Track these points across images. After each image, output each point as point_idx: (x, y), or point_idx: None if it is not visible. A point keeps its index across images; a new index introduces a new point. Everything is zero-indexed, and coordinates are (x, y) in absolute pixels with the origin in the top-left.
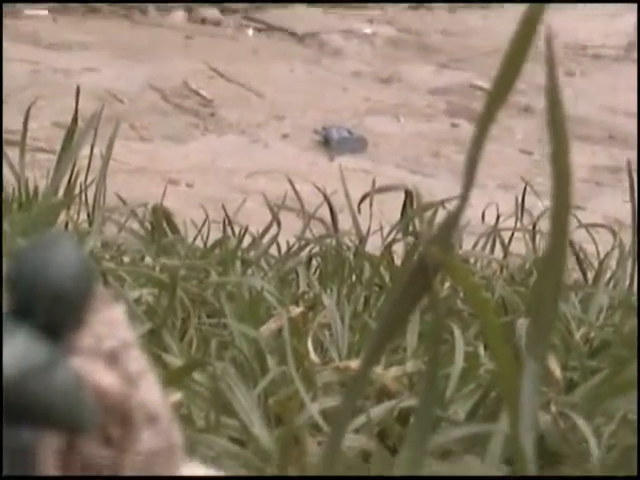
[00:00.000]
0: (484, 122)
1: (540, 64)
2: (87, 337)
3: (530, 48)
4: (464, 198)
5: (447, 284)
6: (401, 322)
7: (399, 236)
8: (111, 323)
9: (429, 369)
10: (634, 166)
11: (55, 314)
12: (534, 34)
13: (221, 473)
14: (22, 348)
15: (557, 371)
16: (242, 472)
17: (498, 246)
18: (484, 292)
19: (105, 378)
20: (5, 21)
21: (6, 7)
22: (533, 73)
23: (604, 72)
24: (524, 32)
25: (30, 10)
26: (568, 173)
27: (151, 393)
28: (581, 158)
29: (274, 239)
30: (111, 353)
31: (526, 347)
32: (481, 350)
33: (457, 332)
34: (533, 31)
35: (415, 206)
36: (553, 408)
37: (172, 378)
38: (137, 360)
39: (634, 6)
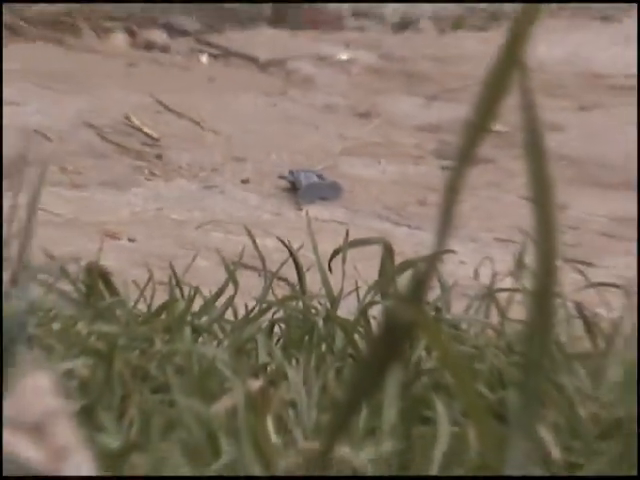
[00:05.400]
0: (462, 161)
1: (546, 94)
2: (9, 407)
3: (512, 75)
4: (439, 248)
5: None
6: (369, 393)
7: (377, 298)
8: (36, 391)
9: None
10: None
11: None
12: (517, 57)
13: None
14: None
15: (555, 450)
16: None
17: (495, 310)
18: (475, 362)
19: (29, 453)
20: None
21: None
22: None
23: (624, 105)
24: (507, 54)
25: None
26: (551, 219)
27: (83, 470)
28: (597, 206)
29: (230, 302)
30: (36, 425)
31: (512, 421)
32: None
33: (441, 408)
34: (517, 53)
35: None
36: None
37: (108, 462)
38: (66, 433)
39: None
